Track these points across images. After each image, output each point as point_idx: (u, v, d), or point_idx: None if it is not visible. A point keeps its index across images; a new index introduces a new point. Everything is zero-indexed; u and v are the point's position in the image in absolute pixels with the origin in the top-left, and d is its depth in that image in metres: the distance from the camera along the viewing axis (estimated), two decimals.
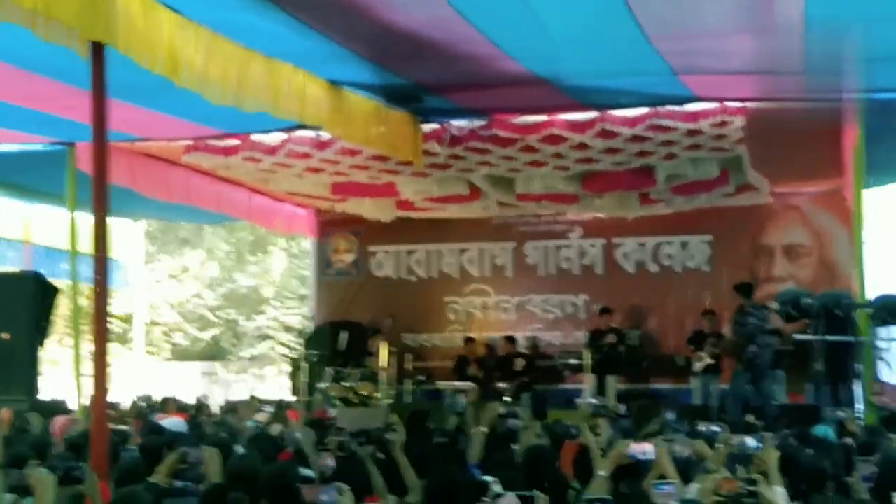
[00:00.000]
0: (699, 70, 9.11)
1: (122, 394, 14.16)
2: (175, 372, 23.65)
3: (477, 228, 15.62)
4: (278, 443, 7.16)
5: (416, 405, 13.34)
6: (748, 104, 10.28)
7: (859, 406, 9.51)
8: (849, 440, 7.40)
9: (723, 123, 10.50)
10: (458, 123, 11.07)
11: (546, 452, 6.16)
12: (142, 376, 19.24)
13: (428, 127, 10.96)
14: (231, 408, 12.41)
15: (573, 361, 14.51)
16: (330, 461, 6.05)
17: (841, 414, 8.50)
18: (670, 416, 8.48)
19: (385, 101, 9.96)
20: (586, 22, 7.74)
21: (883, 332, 8.79)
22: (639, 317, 15.20)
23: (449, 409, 8.88)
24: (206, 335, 27.18)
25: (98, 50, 6.19)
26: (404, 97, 10.00)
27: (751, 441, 5.96)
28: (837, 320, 8.37)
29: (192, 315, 27.06)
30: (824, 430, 7.77)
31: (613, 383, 13.95)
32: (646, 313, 15.22)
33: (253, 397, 12.34)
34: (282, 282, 27.77)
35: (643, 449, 5.20)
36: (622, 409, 10.28)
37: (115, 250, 14.67)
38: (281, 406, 12.17)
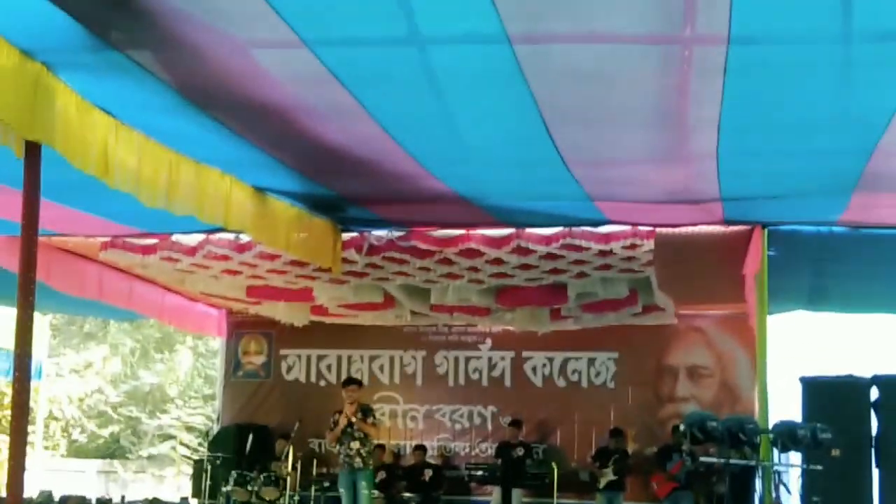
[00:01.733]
0: (612, 197, 9.42)
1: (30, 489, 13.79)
2: (72, 469, 23.11)
3: (388, 336, 15.75)
4: None
5: None
6: (658, 228, 10.62)
7: None
8: None
9: (633, 246, 10.81)
10: (378, 233, 11.25)
11: None
12: (38, 472, 18.75)
13: (347, 235, 11.11)
14: None
15: (480, 473, 14.58)
16: None
17: None
18: None
19: (308, 209, 10.11)
20: (508, 146, 7.98)
21: (783, 457, 9.06)
22: (545, 430, 15.35)
23: None
24: (106, 432, 26.62)
25: (33, 150, 6.26)
26: (326, 206, 10.14)
27: None
28: (740, 444, 8.63)
29: (92, 411, 26.53)
30: None
31: (519, 496, 14.03)
32: (552, 427, 15.38)
33: (156, 499, 12.13)
34: (187, 381, 27.42)
35: None
36: None
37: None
38: None
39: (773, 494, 8.73)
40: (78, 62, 6.23)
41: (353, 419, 12.30)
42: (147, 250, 11.61)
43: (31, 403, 19.85)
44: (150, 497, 12.60)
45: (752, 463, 8.77)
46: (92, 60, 6.19)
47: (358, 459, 12.31)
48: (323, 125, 7.60)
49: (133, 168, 7.22)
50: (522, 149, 7.87)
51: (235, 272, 12.41)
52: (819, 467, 9.03)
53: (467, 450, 15.64)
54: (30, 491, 13.87)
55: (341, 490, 12.65)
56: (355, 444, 12.31)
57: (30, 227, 6.31)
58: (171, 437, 26.17)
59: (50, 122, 6.21)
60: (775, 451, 9.10)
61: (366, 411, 12.57)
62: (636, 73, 6.28)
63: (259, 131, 7.85)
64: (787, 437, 8.52)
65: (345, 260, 11.26)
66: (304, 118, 7.45)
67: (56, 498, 12.75)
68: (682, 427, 8.77)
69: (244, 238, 11.18)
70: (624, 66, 6.18)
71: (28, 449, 18.41)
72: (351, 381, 13.18)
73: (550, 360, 15.63)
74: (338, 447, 12.67)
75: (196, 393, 26.83)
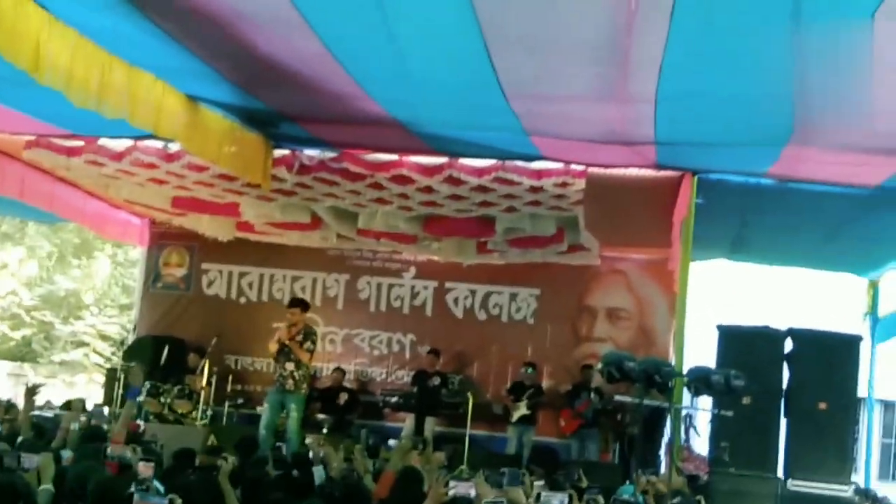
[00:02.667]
0: (548, 133, 9.44)
1: None
2: None
3: (312, 258, 15.66)
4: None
5: (232, 428, 13.25)
6: (590, 168, 10.64)
7: (663, 470, 9.96)
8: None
9: (564, 184, 10.83)
10: (310, 153, 11.13)
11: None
12: None
13: (279, 152, 10.98)
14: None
15: (395, 399, 14.66)
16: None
17: (651, 476, 8.88)
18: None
19: (240, 122, 9.96)
20: (449, 72, 7.95)
21: (695, 402, 9.23)
22: (463, 362, 15.45)
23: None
24: (18, 335, 26.23)
25: None
26: (260, 121, 10.01)
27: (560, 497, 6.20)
28: (655, 386, 8.77)
29: (4, 313, 26.10)
30: (629, 490, 8.11)
31: (432, 425, 14.14)
32: (470, 359, 15.48)
33: (78, 399, 11.96)
34: (104, 289, 27.06)
35: (465, 487, 5.35)
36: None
37: None
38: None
39: (683, 437, 8.91)
40: None
41: (288, 342, 12.17)
42: (72, 152, 11.38)
43: None
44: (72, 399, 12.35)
45: (665, 405, 8.93)
46: None
47: (290, 381, 12.17)
48: (262, 36, 7.50)
49: (65, 66, 7.05)
50: (462, 73, 7.82)
51: (162, 181, 12.22)
52: (730, 413, 9.23)
53: (384, 376, 15.68)
54: None
55: (265, 405, 12.49)
56: (290, 366, 12.19)
57: None
58: (85, 344, 25.85)
59: None
60: (687, 395, 9.27)
61: (306, 335, 12.41)
62: (585, 2, 6.25)
63: (196, 38, 7.71)
64: (701, 381, 8.67)
65: (274, 177, 11.14)
66: (243, 27, 7.33)
67: None
68: (599, 366, 8.88)
69: (173, 147, 11.00)
70: None
71: None
72: (294, 302, 12.98)
73: (473, 292, 15.66)
74: (274, 363, 12.50)
75: (112, 302, 26.50)
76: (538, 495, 6.21)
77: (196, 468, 6.20)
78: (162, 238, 16.41)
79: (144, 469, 6.05)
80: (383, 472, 6.99)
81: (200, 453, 7.32)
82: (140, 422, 12.73)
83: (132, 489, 4.97)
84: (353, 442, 11.83)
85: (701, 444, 10.27)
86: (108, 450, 6.53)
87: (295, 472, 7.33)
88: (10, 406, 12.50)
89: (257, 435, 11.61)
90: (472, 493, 5.27)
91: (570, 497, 6.20)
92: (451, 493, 5.30)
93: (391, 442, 12.26)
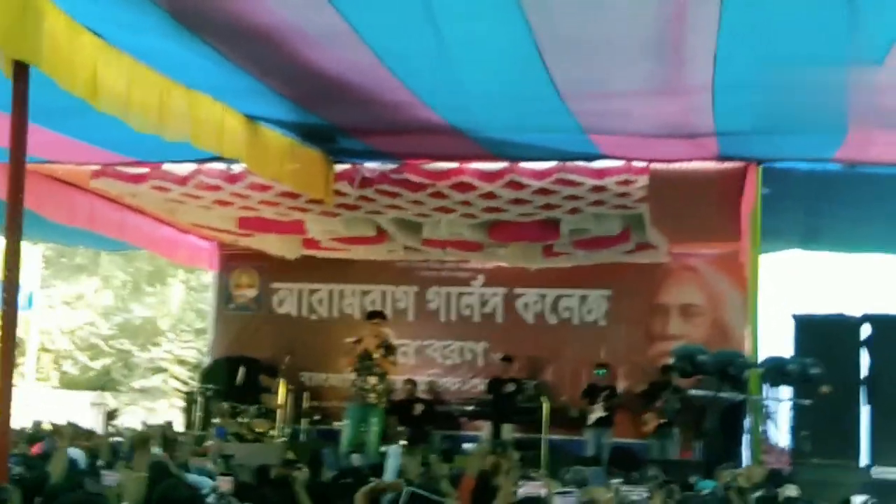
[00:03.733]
0: (607, 130, 9.38)
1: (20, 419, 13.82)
2: (63, 400, 23.16)
3: (380, 271, 15.71)
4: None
5: (310, 444, 13.31)
6: (652, 164, 10.56)
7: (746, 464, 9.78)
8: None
9: (626, 182, 10.75)
10: (370, 165, 11.18)
11: None
12: (30, 403, 18.80)
13: (340, 167, 11.05)
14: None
15: (470, 408, 14.65)
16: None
17: (733, 470, 8.73)
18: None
19: (299, 139, 10.05)
20: (502, 76, 7.95)
21: (772, 392, 9.08)
22: (536, 367, 15.38)
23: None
24: (97, 364, 26.66)
25: (21, 71, 6.15)
26: (318, 136, 10.09)
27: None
28: (730, 379, 8.64)
29: (83, 343, 26.54)
30: (709, 485, 7.99)
31: (510, 431, 14.09)
32: (543, 364, 15.41)
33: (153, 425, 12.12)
34: (179, 314, 27.41)
35: (535, 486, 5.32)
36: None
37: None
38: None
39: (761, 428, 8.76)
40: None
41: (376, 354, 12.20)
42: (138, 179, 11.54)
43: (23, 334, 19.90)
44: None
45: (741, 397, 8.79)
46: None
47: (373, 395, 12.22)
48: (315, 51, 7.54)
49: (122, 92, 7.15)
50: (516, 78, 7.81)
51: (227, 203, 12.33)
52: (808, 402, 9.05)
53: (458, 385, 15.67)
54: (23, 422, 13.87)
55: (347, 421, 12.54)
56: (372, 379, 12.22)
57: (17, 150, 6.21)
58: (163, 370, 26.18)
59: (37, 41, 6.10)
60: (765, 387, 9.13)
61: (388, 348, 12.45)
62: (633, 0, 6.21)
63: (250, 56, 7.79)
64: (776, 371, 8.54)
65: (337, 192, 11.21)
66: (296, 43, 7.39)
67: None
68: (671, 360, 8.78)
69: (236, 168, 11.12)
70: None
71: (20, 380, 18.37)
72: (375, 313, 13.03)
73: (542, 297, 15.60)
74: (354, 378, 12.54)
75: (188, 327, 26.81)
76: (616, 490, 6.16)
77: (271, 481, 6.24)
78: (231, 260, 16.58)
79: (224, 484, 6.11)
80: (463, 477, 6.97)
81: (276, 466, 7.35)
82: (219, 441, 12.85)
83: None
84: (429, 450, 11.83)
85: (781, 436, 10.08)
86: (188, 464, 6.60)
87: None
88: (90, 434, 12.69)
89: (336, 451, 11.66)
90: (543, 492, 5.23)
91: (651, 490, 6.14)
92: (520, 491, 5.26)
93: (466, 446, 12.23)
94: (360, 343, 12.48)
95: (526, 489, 5.24)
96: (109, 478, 5.80)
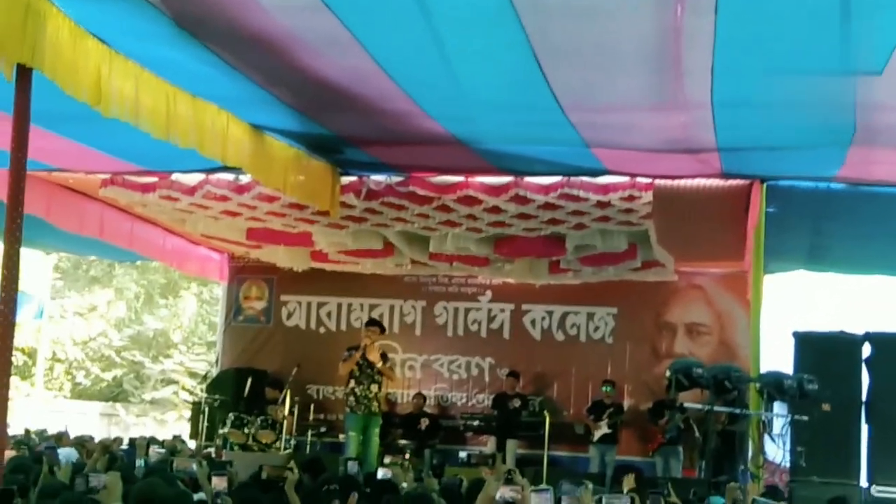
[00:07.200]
0: (609, 144, 9.39)
1: (18, 427, 13.92)
2: (74, 410, 23.29)
3: (389, 285, 15.79)
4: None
5: (316, 456, 13.35)
6: (657, 180, 10.57)
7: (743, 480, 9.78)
8: None
9: (631, 197, 10.77)
10: (376, 178, 11.24)
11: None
12: (40, 412, 18.92)
13: (346, 179, 11.12)
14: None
15: (476, 423, 14.67)
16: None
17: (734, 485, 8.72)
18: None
19: (306, 150, 10.11)
20: (504, 87, 7.98)
21: (770, 407, 9.09)
22: (542, 383, 15.40)
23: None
24: (109, 375, 26.78)
25: (24, 74, 6.17)
26: (324, 147, 10.15)
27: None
28: (727, 393, 8.65)
29: (95, 354, 26.68)
30: (719, 502, 7.99)
31: (513, 447, 14.11)
32: (549, 380, 15.43)
33: (146, 437, 12.19)
34: (191, 327, 27.54)
35: (511, 491, 5.31)
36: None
37: (25, 282, 14.44)
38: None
39: (760, 445, 8.75)
40: None
41: (379, 364, 12.24)
42: (147, 188, 11.63)
43: (33, 343, 19.97)
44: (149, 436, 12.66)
45: (738, 410, 8.79)
46: None
47: (375, 403, 12.29)
48: (318, 60, 7.59)
49: (130, 97, 7.20)
50: (518, 89, 7.85)
51: (235, 213, 12.42)
52: (805, 418, 9.05)
53: (464, 400, 15.71)
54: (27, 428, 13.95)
55: (350, 433, 12.56)
56: (374, 388, 12.26)
57: (19, 154, 6.15)
58: (174, 381, 26.30)
59: (40, 45, 6.14)
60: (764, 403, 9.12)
61: (384, 356, 12.52)
62: (630, 10, 6.25)
63: (254, 64, 7.83)
64: (773, 386, 8.54)
65: (343, 204, 11.27)
66: (299, 52, 7.43)
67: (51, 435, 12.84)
68: (667, 374, 8.79)
69: (243, 179, 11.20)
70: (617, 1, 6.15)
71: (29, 388, 18.42)
72: (373, 322, 13.09)
73: (550, 313, 15.64)
74: (353, 386, 12.58)
75: (199, 339, 26.94)
76: (600, 499, 6.15)
77: (263, 481, 6.29)
78: (241, 272, 16.69)
79: (218, 482, 6.16)
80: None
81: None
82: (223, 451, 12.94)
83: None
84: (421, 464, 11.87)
85: (777, 451, 10.05)
86: (174, 464, 6.65)
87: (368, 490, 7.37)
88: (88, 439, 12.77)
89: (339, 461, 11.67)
90: (518, 496, 5.25)
91: (632, 500, 6.14)
92: (498, 496, 5.28)
93: (462, 454, 12.26)
94: (360, 351, 12.54)
95: (501, 494, 5.25)
96: (97, 479, 5.81)
